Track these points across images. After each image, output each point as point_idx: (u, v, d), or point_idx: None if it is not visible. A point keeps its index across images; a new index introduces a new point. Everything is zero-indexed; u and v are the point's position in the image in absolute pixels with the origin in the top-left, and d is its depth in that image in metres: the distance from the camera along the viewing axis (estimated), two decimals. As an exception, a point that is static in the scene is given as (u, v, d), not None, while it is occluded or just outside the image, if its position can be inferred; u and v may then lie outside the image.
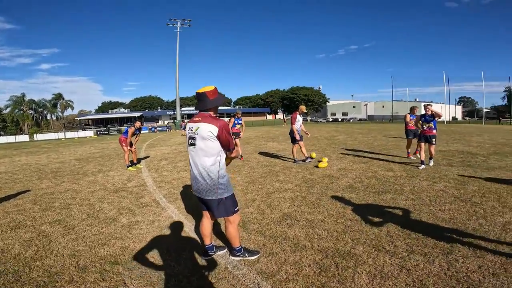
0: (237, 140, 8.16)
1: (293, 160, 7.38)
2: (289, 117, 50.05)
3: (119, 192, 5.21)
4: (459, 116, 74.21)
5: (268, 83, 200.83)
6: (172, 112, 63.18)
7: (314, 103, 77.89)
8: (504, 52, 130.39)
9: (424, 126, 6.25)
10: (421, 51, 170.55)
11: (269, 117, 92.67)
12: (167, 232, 3.32)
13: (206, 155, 2.31)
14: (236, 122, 8.40)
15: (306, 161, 7.21)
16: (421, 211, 3.64)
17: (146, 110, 78.25)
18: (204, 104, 2.35)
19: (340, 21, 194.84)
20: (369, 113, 77.18)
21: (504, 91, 73.49)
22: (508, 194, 4.20)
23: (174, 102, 52.57)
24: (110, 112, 74.12)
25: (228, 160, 2.51)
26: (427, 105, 6.17)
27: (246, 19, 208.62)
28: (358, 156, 8.02)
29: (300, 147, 7.19)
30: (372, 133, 17.66)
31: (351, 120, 66.94)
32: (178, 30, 46.14)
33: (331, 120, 66.90)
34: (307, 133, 7.49)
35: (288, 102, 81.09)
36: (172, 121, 52.42)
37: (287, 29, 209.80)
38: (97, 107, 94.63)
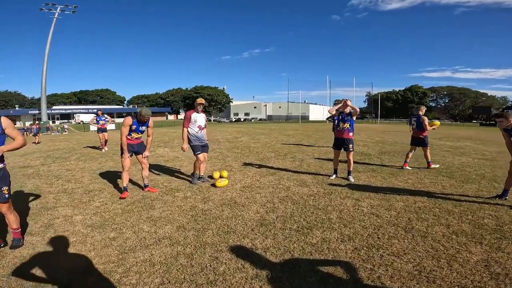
0: (105, 135, 10.24)
1: (190, 177, 5.32)
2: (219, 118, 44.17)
3: None
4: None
5: (169, 81, 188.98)
6: (37, 111, 48.96)
7: (218, 103, 77.13)
8: (369, 63, 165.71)
9: (340, 125, 5.28)
10: (308, 58, 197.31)
11: (171, 117, 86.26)
12: None
13: None
14: (98, 119, 10.31)
15: (197, 181, 5.08)
16: (370, 261, 2.32)
17: (-4, 108, 58.44)
18: None
19: (246, 25, 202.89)
20: (268, 113, 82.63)
21: (365, 95, 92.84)
22: (441, 211, 3.51)
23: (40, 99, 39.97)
24: None
25: None
26: (346, 100, 5.18)
27: (146, 10, 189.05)
28: (264, 165, 6.70)
29: (196, 161, 5.06)
30: (273, 134, 17.46)
31: (252, 120, 69.66)
32: (56, 16, 35.85)
33: (234, 120, 67.53)
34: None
35: (191, 101, 77.23)
36: (39, 121, 39.27)
37: (193, 27, 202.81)
38: None
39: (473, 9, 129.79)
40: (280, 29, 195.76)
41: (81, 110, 61.15)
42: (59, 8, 36.46)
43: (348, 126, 5.18)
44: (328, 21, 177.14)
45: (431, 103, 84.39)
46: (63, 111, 56.97)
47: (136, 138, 4.37)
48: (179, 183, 5.07)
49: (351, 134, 5.22)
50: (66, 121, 54.15)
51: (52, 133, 30.46)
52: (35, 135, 15.54)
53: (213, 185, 4.85)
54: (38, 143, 14.45)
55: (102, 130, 10.17)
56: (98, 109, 10.76)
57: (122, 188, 4.42)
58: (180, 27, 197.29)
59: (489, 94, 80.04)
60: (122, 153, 4.30)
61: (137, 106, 79.14)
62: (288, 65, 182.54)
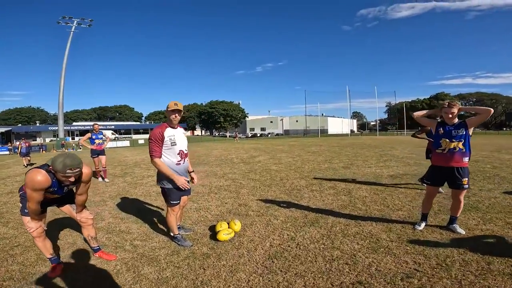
0: (102, 159, 7.28)
1: (172, 239, 3.18)
2: (234, 133, 40.89)
3: None
4: (355, 129, 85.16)
5: (185, 97, 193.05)
6: (56, 128, 49.98)
7: (234, 118, 76.19)
8: (386, 72, 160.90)
9: (444, 145, 3.00)
10: (323, 69, 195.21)
11: (187, 133, 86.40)
12: None
13: None
14: (94, 137, 7.25)
15: (186, 243, 2.99)
16: None
17: (19, 125, 60.41)
18: None
19: (258, 39, 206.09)
20: (285, 127, 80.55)
21: (386, 106, 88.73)
22: None
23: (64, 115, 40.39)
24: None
25: None
26: (452, 103, 2.93)
27: (161, 26, 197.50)
28: (295, 203, 4.57)
29: (170, 213, 2.97)
30: (295, 150, 15.29)
31: (269, 135, 67.74)
32: (73, 30, 36.92)
33: (250, 135, 65.87)
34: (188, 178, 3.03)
35: (207, 117, 76.96)
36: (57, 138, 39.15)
37: (207, 43, 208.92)
38: None
39: (486, 12, 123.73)
40: (291, 42, 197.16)
41: (100, 127, 61.94)
42: (75, 21, 37.41)
43: (461, 145, 2.93)
44: (339, 32, 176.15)
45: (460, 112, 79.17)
46: (82, 127, 57.80)
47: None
48: (160, 242, 3.04)
49: (466, 159, 2.97)
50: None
51: (66, 150, 29.88)
52: (24, 155, 13.40)
53: (214, 237, 2.85)
54: (30, 165, 12.98)
55: (97, 152, 7.19)
56: (94, 123, 7.74)
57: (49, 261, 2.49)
58: (193, 43, 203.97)
59: None
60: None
61: (154, 122, 79.82)
62: (302, 78, 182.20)
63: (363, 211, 3.98)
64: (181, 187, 2.73)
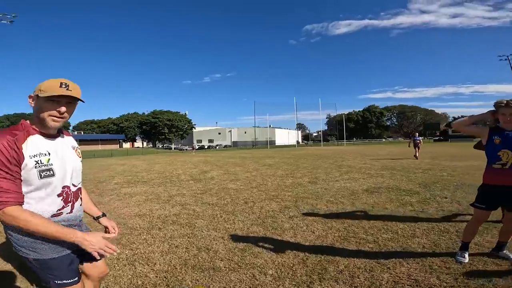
0: None
1: None
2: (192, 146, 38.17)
3: None
4: (300, 140, 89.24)
5: (124, 106, 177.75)
6: None
7: (179, 129, 72.03)
8: (332, 83, 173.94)
9: (505, 158, 2.23)
10: (271, 82, 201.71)
11: (126, 145, 78.47)
12: None
13: None
14: None
15: None
16: None
17: None
18: None
19: (207, 49, 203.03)
20: (233, 139, 79.67)
21: (326, 118, 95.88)
22: None
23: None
24: None
25: None
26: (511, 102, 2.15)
27: (94, 27, 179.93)
28: (273, 237, 3.34)
29: None
30: (249, 164, 14.21)
31: (217, 147, 65.86)
32: None
33: (197, 147, 62.99)
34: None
35: (149, 127, 71.11)
36: None
37: (151, 50, 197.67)
38: None
39: (406, 30, 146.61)
40: (240, 54, 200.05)
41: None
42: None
43: None
44: (286, 46, 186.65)
45: (387, 122, 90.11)
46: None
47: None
48: None
49: None
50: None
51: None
52: None
53: None
54: None
55: None
56: None
57: None
58: (135, 47, 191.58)
59: (436, 111, 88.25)
60: None
61: (84, 133, 70.45)
62: (250, 90, 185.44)
63: (373, 243, 2.97)
64: (98, 252, 1.24)
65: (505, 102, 2.18)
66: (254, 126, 62.55)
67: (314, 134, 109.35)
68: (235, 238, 3.36)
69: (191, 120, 77.04)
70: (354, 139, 77.41)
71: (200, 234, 3.54)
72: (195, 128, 78.90)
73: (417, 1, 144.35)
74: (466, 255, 2.44)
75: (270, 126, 76.22)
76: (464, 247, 2.51)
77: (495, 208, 2.41)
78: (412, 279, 2.19)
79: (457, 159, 12.49)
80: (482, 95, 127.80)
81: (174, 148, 66.31)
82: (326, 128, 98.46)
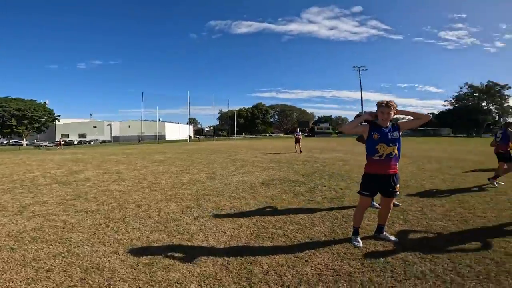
0: None
1: None
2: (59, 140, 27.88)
3: None
4: (192, 135, 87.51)
5: None
6: None
7: (35, 120, 55.82)
8: (226, 80, 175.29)
9: (381, 151, 2.64)
10: (165, 74, 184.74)
11: None
12: None
13: None
14: None
15: None
16: None
17: None
18: None
19: (85, 30, 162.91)
20: (114, 134, 69.26)
21: (218, 113, 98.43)
22: None
23: None
24: None
25: None
26: (391, 102, 2.59)
27: None
28: (183, 243, 2.90)
29: None
30: (136, 161, 12.50)
31: (92, 143, 55.48)
32: None
33: (63, 143, 50.89)
34: None
35: (-20, 117, 51.59)
36: None
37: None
38: None
39: (295, 37, 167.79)
40: (129, 41, 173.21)
41: None
42: None
43: (396, 150, 2.62)
44: (185, 38, 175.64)
45: (271, 119, 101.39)
46: None
47: None
48: None
49: (397, 165, 2.70)
50: None
51: None
52: None
53: None
54: None
55: None
56: None
57: None
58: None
59: (307, 111, 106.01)
60: None
61: None
62: (138, 80, 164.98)
63: (284, 237, 3.01)
64: None
65: (385, 102, 2.61)
66: (141, 120, 56.19)
67: (206, 129, 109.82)
68: (134, 251, 2.70)
69: (52, 110, 61.31)
70: (243, 134, 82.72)
71: (81, 252, 2.66)
72: (58, 120, 63.34)
73: (309, 11, 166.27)
74: (359, 239, 2.79)
75: (159, 119, 70.69)
76: (356, 232, 2.87)
77: (375, 194, 2.86)
78: (331, 269, 2.30)
79: (324, 152, 15.25)
80: (339, 99, 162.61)
81: (27, 145, 51.08)
82: (218, 123, 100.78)
